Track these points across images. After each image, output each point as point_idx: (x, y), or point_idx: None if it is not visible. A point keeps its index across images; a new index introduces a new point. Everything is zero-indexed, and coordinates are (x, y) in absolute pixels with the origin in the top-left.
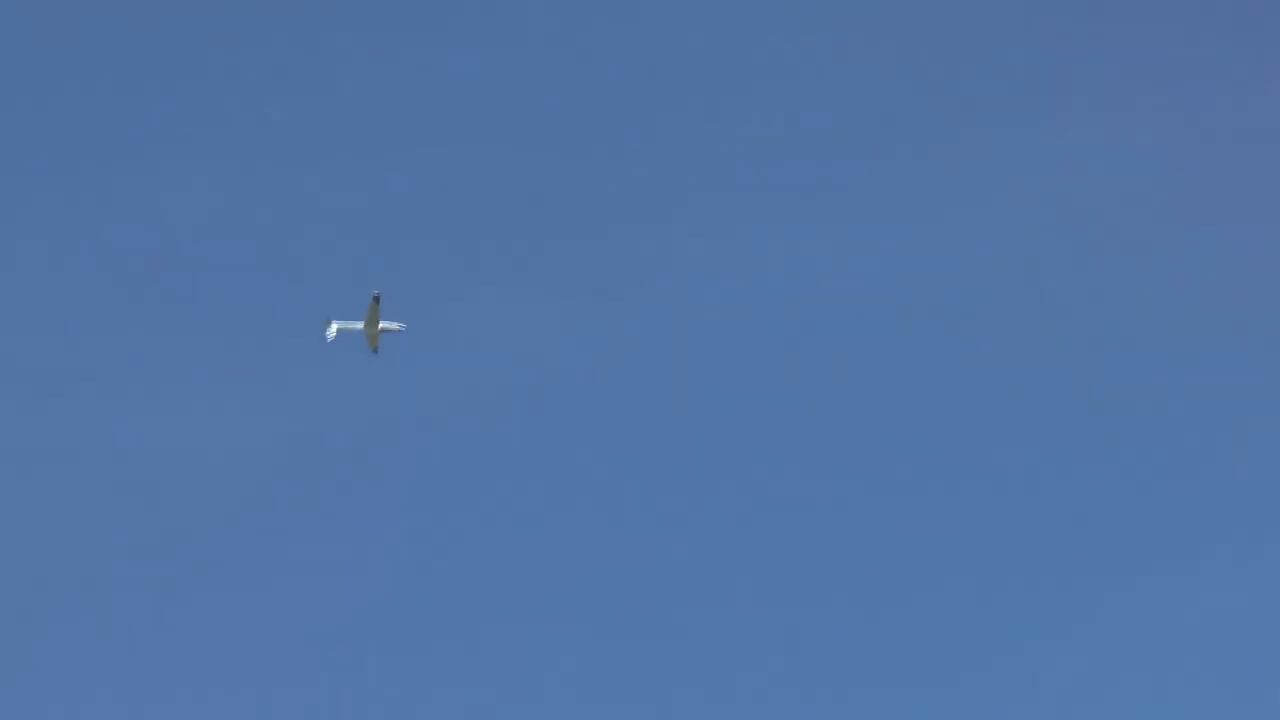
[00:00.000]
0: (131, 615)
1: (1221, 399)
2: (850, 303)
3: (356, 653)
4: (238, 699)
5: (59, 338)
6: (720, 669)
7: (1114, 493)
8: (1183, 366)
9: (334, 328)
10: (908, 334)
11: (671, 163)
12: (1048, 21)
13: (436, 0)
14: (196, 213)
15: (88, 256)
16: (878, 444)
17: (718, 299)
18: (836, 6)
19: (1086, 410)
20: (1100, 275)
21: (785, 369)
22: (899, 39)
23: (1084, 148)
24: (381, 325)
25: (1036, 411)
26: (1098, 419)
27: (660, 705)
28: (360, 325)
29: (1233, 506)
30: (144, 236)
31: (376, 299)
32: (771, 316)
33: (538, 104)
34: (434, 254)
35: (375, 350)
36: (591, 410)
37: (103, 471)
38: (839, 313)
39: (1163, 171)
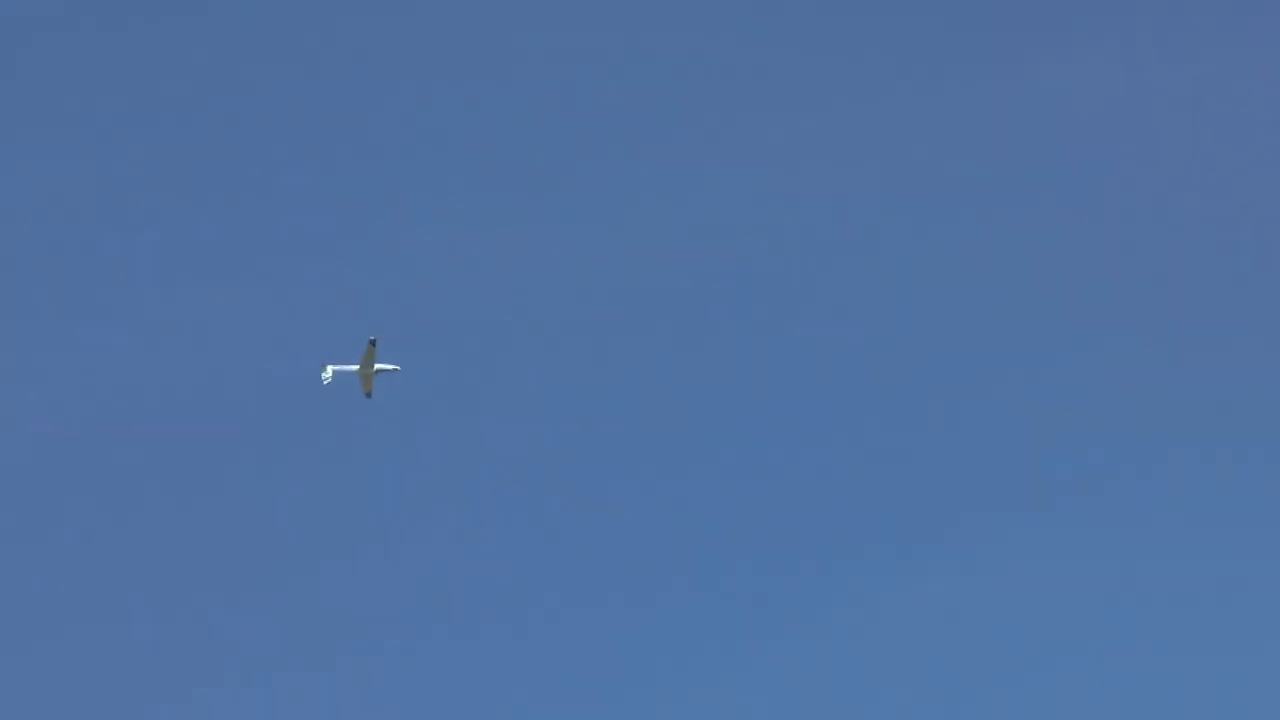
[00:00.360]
0: None
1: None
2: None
3: None
4: None
5: None
6: None
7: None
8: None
9: (329, 371)
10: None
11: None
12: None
13: None
14: None
15: None
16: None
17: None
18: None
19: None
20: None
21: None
22: (611, 38)
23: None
24: (377, 367)
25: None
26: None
27: None
28: (355, 368)
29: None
30: None
31: (373, 343)
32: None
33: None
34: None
35: (369, 393)
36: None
37: None
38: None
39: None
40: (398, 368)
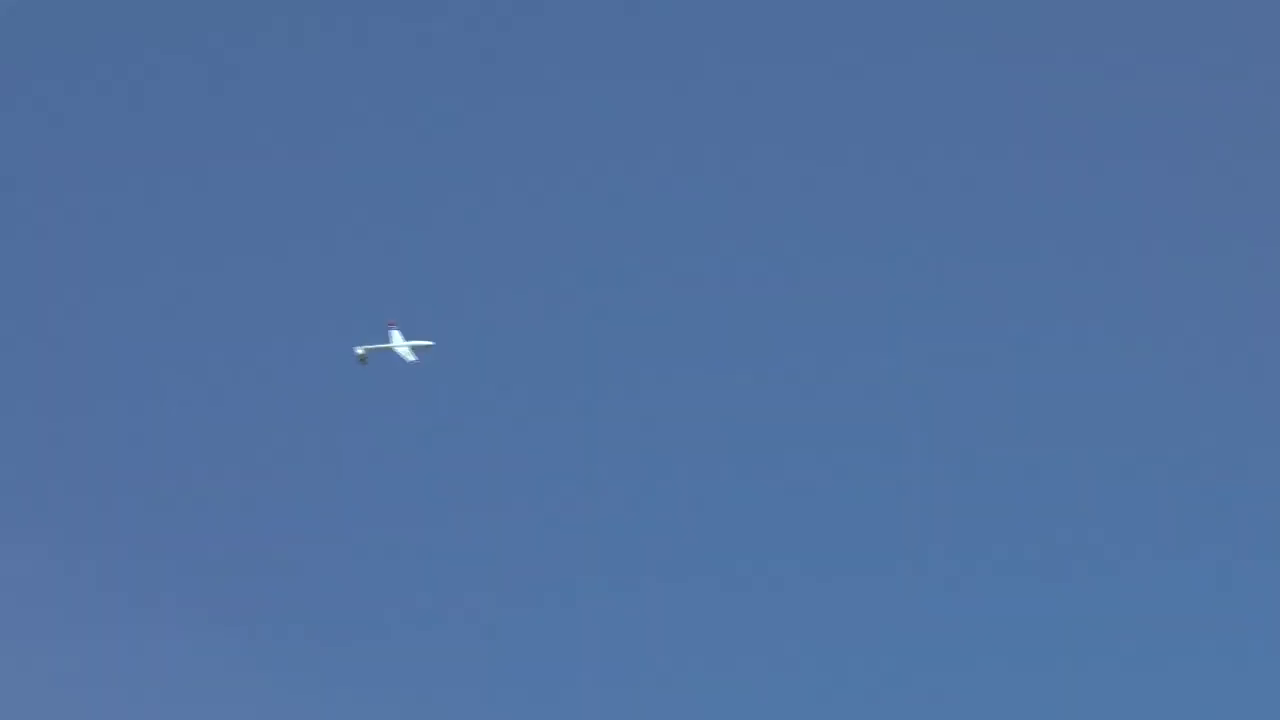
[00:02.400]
0: None
1: None
2: None
3: None
4: None
5: None
6: None
7: None
8: None
9: (362, 350)
10: None
11: None
12: None
13: None
14: None
15: None
16: None
17: None
18: None
19: None
20: None
21: None
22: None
23: None
24: (409, 344)
25: None
26: None
27: None
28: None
29: None
30: None
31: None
32: None
33: None
34: None
35: (364, 360)
36: None
37: None
38: None
39: None
40: (430, 344)
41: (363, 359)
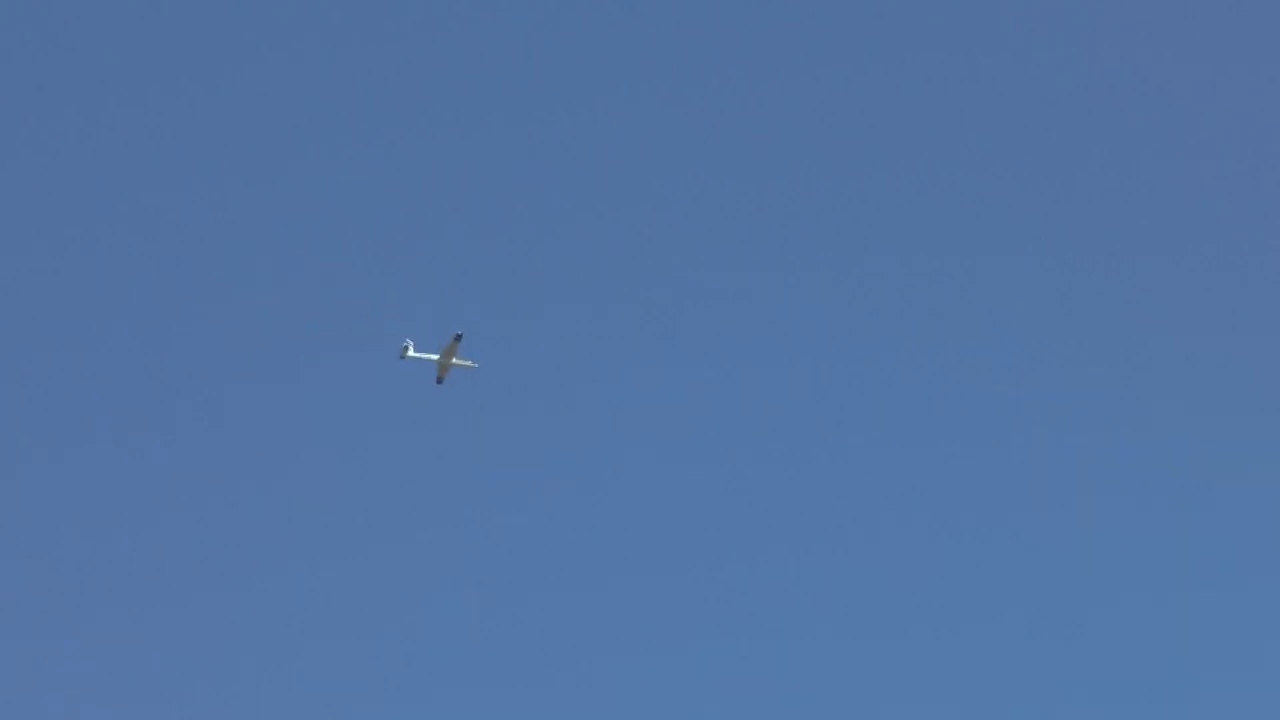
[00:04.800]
0: None
1: None
2: None
3: None
4: None
5: None
6: None
7: None
8: None
9: (410, 346)
10: None
11: None
12: None
13: None
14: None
15: None
16: None
17: None
18: None
19: None
20: None
21: None
22: None
23: None
24: (455, 361)
25: None
26: None
27: None
28: (435, 357)
29: None
30: None
31: (457, 339)
32: None
33: None
34: None
35: (441, 380)
36: None
37: None
38: None
39: None
40: (476, 364)
41: (404, 353)
